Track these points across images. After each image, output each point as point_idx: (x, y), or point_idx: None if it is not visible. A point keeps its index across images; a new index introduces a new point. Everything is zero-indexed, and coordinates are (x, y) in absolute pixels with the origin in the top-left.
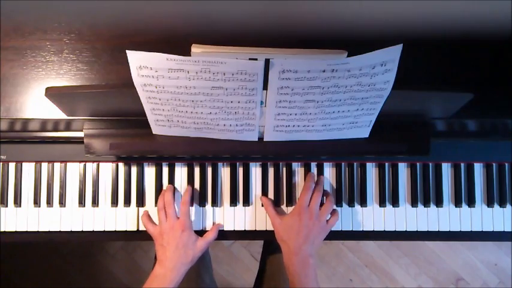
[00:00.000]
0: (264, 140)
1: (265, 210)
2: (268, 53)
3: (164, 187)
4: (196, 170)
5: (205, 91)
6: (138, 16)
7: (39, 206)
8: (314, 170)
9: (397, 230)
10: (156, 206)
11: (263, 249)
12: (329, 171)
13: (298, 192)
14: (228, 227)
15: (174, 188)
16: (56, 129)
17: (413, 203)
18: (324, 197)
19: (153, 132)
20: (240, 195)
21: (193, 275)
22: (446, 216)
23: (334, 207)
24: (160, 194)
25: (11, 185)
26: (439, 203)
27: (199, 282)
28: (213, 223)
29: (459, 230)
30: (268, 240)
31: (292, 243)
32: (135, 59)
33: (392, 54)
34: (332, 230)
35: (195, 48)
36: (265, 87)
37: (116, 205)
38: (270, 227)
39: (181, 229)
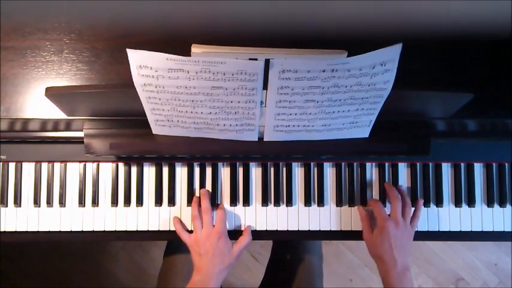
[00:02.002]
0: (264, 140)
1: (361, 222)
2: (268, 53)
3: (164, 187)
4: (196, 170)
5: (205, 91)
6: (138, 16)
7: (39, 206)
8: (314, 170)
9: None
10: (155, 205)
11: (272, 253)
12: (329, 171)
13: (299, 192)
14: (228, 227)
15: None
16: (56, 129)
17: (414, 203)
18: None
19: (153, 132)
20: (240, 196)
21: None
22: (446, 216)
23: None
24: (193, 200)
25: (11, 185)
26: (439, 203)
27: None
28: (244, 225)
29: (459, 230)
30: (277, 243)
31: (386, 258)
32: (136, 57)
33: (392, 53)
34: (331, 230)
35: (195, 48)
36: (265, 87)
37: (116, 205)
38: (270, 227)
39: (218, 237)
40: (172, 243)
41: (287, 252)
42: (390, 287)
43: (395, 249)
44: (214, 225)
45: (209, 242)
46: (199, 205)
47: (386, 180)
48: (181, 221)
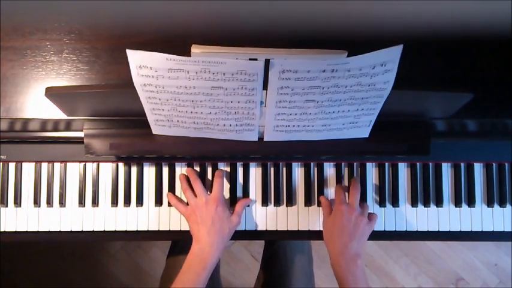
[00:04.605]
0: (264, 140)
1: (322, 209)
2: (268, 53)
3: (164, 187)
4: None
5: (205, 91)
6: (138, 16)
7: (39, 206)
8: (314, 170)
9: (397, 230)
10: (155, 205)
11: (264, 252)
12: (329, 171)
13: (299, 192)
14: None
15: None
16: (56, 129)
17: (413, 203)
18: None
19: (153, 132)
20: (239, 196)
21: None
22: (446, 216)
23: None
24: (180, 178)
25: (11, 185)
26: (439, 203)
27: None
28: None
29: (459, 230)
30: (269, 242)
31: (337, 242)
32: (135, 58)
33: (393, 54)
34: None
35: (195, 49)
36: (265, 87)
37: (116, 205)
38: (270, 227)
39: (216, 204)
40: (176, 244)
41: (275, 251)
42: (339, 274)
43: (347, 235)
44: (210, 193)
45: (206, 210)
46: (188, 182)
47: (386, 180)
48: (175, 195)
